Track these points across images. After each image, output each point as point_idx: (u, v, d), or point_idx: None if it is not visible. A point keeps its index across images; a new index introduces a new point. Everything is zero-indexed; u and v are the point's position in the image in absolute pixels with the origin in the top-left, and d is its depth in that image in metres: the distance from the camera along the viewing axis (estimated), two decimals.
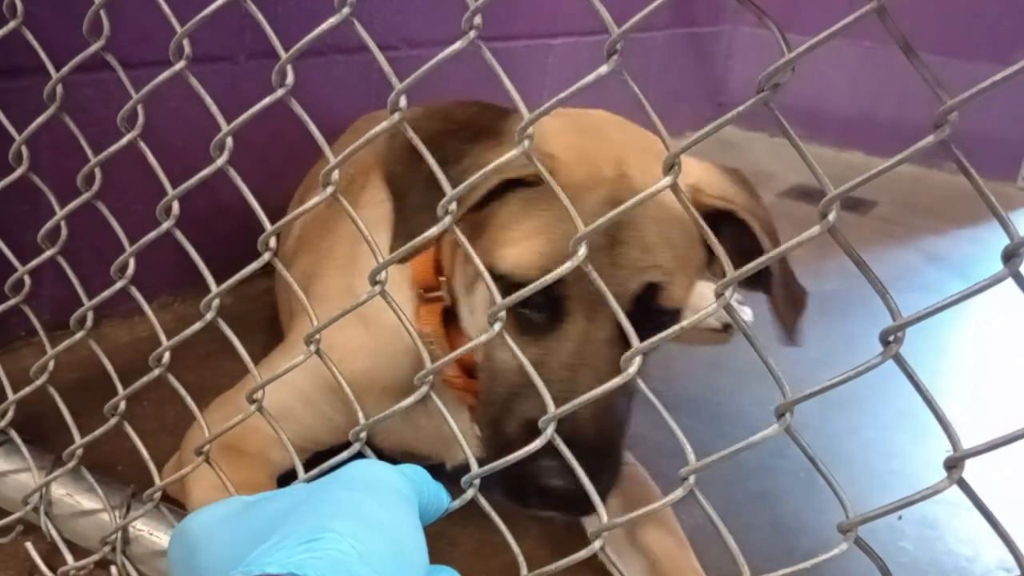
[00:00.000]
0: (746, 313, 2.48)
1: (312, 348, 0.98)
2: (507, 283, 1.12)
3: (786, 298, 1.21)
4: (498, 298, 0.86)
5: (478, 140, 1.12)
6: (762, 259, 0.76)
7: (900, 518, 1.71)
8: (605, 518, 0.88)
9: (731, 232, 1.19)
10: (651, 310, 1.16)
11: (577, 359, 1.13)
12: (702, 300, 2.14)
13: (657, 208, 1.15)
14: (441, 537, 1.54)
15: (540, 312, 1.16)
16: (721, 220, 1.19)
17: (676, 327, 0.82)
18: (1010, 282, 0.64)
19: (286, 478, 1.23)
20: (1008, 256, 0.65)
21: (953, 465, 0.71)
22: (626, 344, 1.08)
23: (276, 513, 0.68)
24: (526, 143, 0.81)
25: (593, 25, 3.29)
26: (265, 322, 2.11)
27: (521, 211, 1.15)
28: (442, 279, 1.34)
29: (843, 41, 4.32)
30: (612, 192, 1.15)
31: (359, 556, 0.61)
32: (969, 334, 2.61)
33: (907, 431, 2.04)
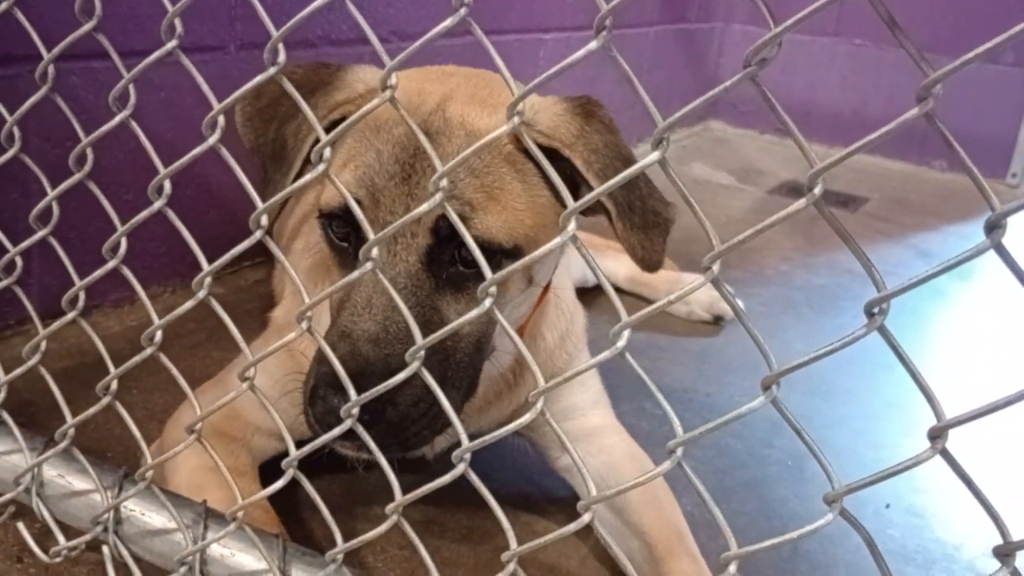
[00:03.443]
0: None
1: (304, 325, 0.98)
2: (326, 218, 1.20)
3: (640, 224, 1.16)
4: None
5: (313, 94, 1.21)
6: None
7: (888, 506, 1.72)
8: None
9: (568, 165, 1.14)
10: (460, 243, 1.11)
11: (373, 290, 1.13)
12: (679, 288, 2.14)
13: (468, 138, 1.15)
14: (430, 523, 1.55)
15: (347, 242, 1.21)
16: (554, 154, 1.13)
17: (659, 303, 0.82)
18: (996, 276, 0.65)
19: (275, 466, 1.22)
20: (991, 227, 0.66)
21: (937, 435, 0.72)
22: (434, 276, 1.14)
23: None
24: (516, 119, 0.82)
25: (584, 21, 3.30)
26: (256, 311, 2.11)
27: (339, 148, 1.19)
28: None
29: (834, 39, 4.35)
30: (422, 123, 1.15)
31: None
32: (956, 325, 2.63)
33: (896, 421, 2.05)
